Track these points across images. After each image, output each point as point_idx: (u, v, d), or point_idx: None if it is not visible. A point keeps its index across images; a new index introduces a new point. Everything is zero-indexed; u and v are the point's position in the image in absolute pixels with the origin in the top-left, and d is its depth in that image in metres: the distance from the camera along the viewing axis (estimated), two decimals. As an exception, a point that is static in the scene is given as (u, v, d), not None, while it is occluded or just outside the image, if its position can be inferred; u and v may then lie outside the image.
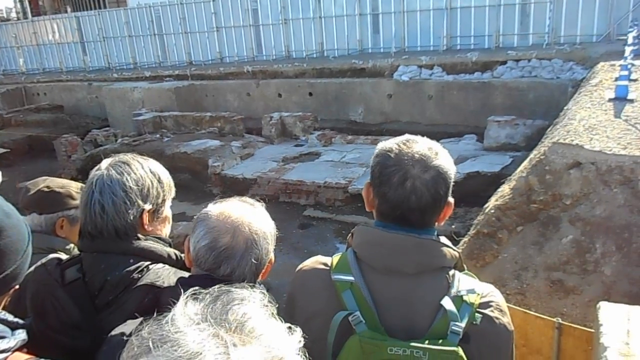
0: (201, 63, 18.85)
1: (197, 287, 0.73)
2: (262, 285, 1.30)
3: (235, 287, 0.73)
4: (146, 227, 1.46)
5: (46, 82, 21.13)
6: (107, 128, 15.57)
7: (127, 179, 1.41)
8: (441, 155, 1.24)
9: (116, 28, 20.81)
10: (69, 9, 24.17)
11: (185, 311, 0.67)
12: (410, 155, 1.22)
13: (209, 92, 16.92)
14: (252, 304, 0.70)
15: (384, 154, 1.26)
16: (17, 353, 0.99)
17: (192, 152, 11.70)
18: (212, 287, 0.73)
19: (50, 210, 1.93)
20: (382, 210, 1.27)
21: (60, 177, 2.36)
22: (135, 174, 1.43)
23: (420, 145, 1.25)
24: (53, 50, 22.79)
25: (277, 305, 0.75)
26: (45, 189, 1.95)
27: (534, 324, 3.51)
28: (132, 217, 1.41)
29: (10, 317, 1.04)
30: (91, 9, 25.38)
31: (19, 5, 34.90)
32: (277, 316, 0.72)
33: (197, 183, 10.97)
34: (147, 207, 1.45)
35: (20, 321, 1.06)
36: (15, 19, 33.30)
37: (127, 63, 20.73)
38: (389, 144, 1.28)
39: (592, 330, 3.14)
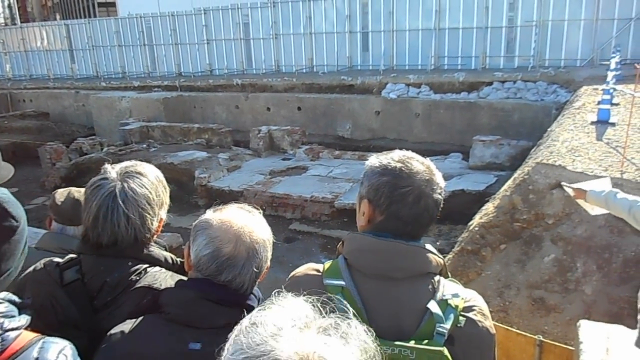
0: (190, 74, 18.88)
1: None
2: (257, 290, 1.33)
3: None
4: (159, 233, 1.53)
5: (32, 89, 20.98)
6: (93, 137, 15.45)
7: (149, 192, 1.45)
8: (436, 172, 1.34)
9: (106, 37, 20.79)
10: (58, 17, 24.09)
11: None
12: (420, 175, 1.30)
13: (197, 103, 16.92)
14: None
15: (392, 173, 1.30)
16: (24, 331, 1.04)
17: (179, 163, 11.65)
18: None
19: None
20: (387, 226, 1.30)
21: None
22: (153, 184, 1.47)
23: (419, 163, 1.33)
24: (41, 57, 22.67)
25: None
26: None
27: (515, 341, 3.54)
28: (155, 228, 1.48)
29: (15, 298, 1.09)
30: (81, 17, 25.32)
31: (7, 11, 34.72)
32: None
33: (182, 194, 10.91)
34: (164, 215, 1.52)
35: (25, 301, 1.12)
36: (3, 24, 33.09)
37: (115, 72, 20.68)
38: (391, 161, 1.32)
39: (573, 348, 3.18)
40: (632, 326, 2.65)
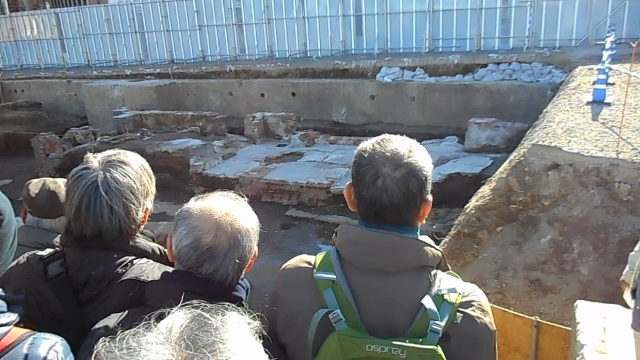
0: (183, 62, 18.69)
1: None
2: (245, 280, 1.30)
3: (213, 311, 0.70)
4: (145, 223, 1.48)
5: (24, 79, 20.73)
6: (86, 126, 15.32)
7: (133, 181, 1.40)
8: (416, 153, 1.24)
9: (96, 25, 20.53)
10: (47, 5, 23.73)
11: (156, 328, 0.68)
12: (382, 153, 1.23)
13: (190, 91, 16.79)
14: (226, 332, 0.67)
15: (359, 154, 1.28)
16: (15, 327, 1.02)
17: (173, 152, 11.59)
18: (191, 303, 0.71)
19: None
20: (360, 210, 1.28)
21: (38, 176, 2.34)
22: (137, 173, 1.43)
23: (395, 144, 1.25)
24: (31, 47, 22.40)
25: (258, 321, 0.73)
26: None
27: (512, 322, 3.56)
28: (140, 218, 1.43)
29: (4, 293, 1.07)
30: (71, 6, 24.95)
31: (-4, 0, 34.16)
32: (256, 340, 0.69)
33: (178, 182, 10.87)
34: (150, 206, 1.48)
35: (17, 297, 1.10)
36: (-8, 14, 32.57)
37: (107, 61, 20.47)
38: (366, 143, 1.29)
39: (569, 329, 3.19)
40: (628, 306, 2.65)
